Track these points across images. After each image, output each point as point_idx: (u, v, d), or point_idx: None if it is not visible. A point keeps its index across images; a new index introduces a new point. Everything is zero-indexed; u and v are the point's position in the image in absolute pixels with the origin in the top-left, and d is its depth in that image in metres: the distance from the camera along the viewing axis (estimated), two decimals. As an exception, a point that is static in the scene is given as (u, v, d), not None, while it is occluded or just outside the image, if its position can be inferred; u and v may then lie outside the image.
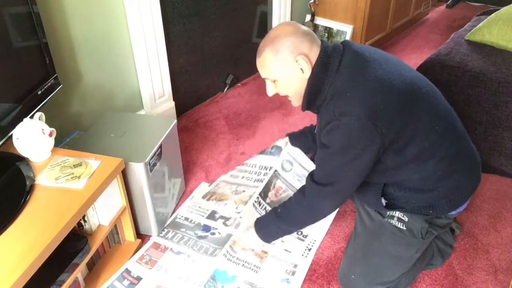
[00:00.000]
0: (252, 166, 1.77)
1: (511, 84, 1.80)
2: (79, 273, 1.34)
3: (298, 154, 1.69)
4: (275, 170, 1.67)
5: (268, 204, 1.57)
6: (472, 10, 3.86)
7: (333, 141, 1.20)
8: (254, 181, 1.69)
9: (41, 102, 1.37)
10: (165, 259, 1.56)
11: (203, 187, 1.88)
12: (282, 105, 2.49)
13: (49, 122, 1.34)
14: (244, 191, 1.68)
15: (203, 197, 1.78)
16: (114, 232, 1.54)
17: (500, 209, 1.76)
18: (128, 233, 1.57)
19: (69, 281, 1.25)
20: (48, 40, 1.38)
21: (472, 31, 2.18)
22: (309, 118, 2.37)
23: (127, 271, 1.50)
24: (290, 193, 1.59)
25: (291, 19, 2.88)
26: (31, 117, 1.31)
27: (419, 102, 1.20)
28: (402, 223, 1.34)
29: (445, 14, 3.92)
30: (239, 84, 2.73)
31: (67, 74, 1.69)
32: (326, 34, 2.99)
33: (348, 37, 2.90)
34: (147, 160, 1.44)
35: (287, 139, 1.74)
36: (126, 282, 1.47)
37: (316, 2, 2.92)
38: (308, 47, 1.22)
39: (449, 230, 1.57)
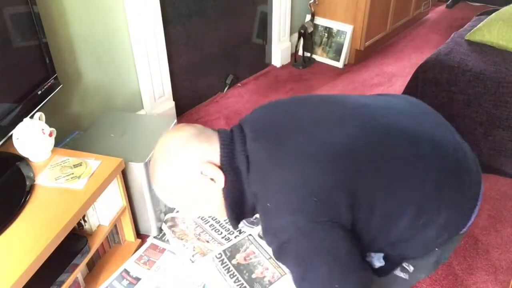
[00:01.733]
0: (227, 222, 1.64)
1: (511, 84, 1.80)
2: (79, 273, 1.34)
3: None
4: (250, 235, 1.60)
5: (234, 265, 1.52)
6: (472, 10, 3.86)
7: (292, 270, 0.92)
8: (222, 237, 1.59)
9: (41, 102, 1.37)
10: (163, 259, 1.56)
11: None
12: (282, 105, 2.49)
13: (49, 122, 1.34)
14: (207, 241, 1.57)
15: (166, 221, 1.69)
16: (114, 232, 1.54)
17: (500, 209, 1.76)
18: (128, 233, 1.57)
19: (69, 281, 1.25)
20: (48, 40, 1.38)
21: (472, 31, 2.18)
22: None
23: (126, 271, 1.50)
24: (262, 259, 1.55)
25: (291, 19, 2.89)
26: (31, 117, 1.31)
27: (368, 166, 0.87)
28: (406, 273, 1.05)
29: (445, 14, 3.92)
30: (239, 84, 2.73)
31: (67, 74, 1.69)
32: (326, 34, 2.99)
33: (348, 37, 2.90)
34: (147, 160, 1.44)
35: None
36: (125, 282, 1.47)
37: (316, 2, 2.92)
38: (209, 149, 0.91)
39: None
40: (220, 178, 0.90)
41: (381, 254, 1.04)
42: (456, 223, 1.00)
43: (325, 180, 0.84)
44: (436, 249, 1.02)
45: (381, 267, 1.03)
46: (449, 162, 0.95)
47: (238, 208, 0.95)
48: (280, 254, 0.90)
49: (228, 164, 0.91)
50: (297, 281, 0.92)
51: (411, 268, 1.04)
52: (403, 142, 0.92)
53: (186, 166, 0.90)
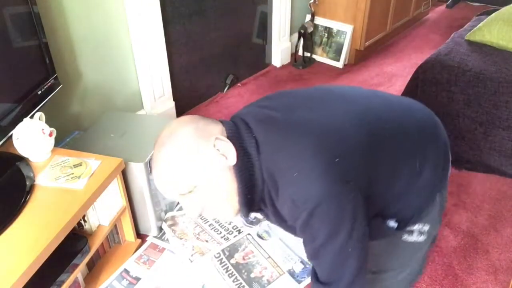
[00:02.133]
0: (226, 221, 1.68)
1: (511, 84, 1.80)
2: (79, 273, 1.34)
3: (278, 228, 1.65)
4: (249, 234, 1.61)
5: (232, 265, 1.49)
6: (472, 10, 3.86)
7: (316, 234, 0.92)
8: (221, 237, 1.61)
9: (41, 102, 1.37)
10: (163, 259, 1.56)
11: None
12: (282, 105, 2.49)
13: (49, 122, 1.34)
14: (207, 241, 1.59)
15: (166, 219, 1.67)
16: (114, 232, 1.54)
17: (500, 209, 1.76)
18: (128, 233, 1.57)
19: (69, 281, 1.25)
20: (48, 40, 1.38)
21: (472, 31, 2.18)
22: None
23: (126, 271, 1.51)
24: (261, 258, 1.52)
25: (291, 19, 2.88)
26: (31, 117, 1.31)
27: (380, 144, 0.95)
28: (422, 235, 1.09)
29: (445, 14, 3.92)
30: (239, 84, 2.73)
31: (67, 74, 1.69)
32: (326, 34, 2.99)
33: (348, 37, 2.90)
34: (147, 160, 1.44)
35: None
36: (125, 282, 1.47)
37: (316, 2, 2.92)
38: (217, 128, 0.92)
39: None
40: (232, 152, 0.88)
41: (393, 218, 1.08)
42: (442, 165, 1.09)
43: (342, 141, 0.90)
44: (437, 194, 1.08)
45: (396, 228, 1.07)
46: (422, 115, 1.09)
47: (249, 191, 0.92)
48: (307, 224, 0.90)
49: (238, 145, 0.90)
50: (314, 250, 0.95)
51: (426, 228, 1.08)
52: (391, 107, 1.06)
53: (198, 139, 0.88)
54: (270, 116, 0.94)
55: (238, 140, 0.91)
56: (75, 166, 1.31)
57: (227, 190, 0.91)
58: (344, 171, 0.88)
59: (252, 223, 1.68)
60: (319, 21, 2.99)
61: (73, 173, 1.28)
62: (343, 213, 0.89)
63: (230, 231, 1.65)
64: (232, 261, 1.52)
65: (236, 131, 0.92)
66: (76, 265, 1.28)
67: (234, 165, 0.89)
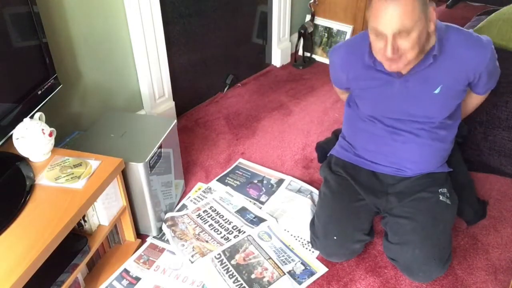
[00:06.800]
0: (226, 221, 1.70)
1: (511, 84, 1.80)
2: (79, 273, 1.34)
3: (279, 230, 1.65)
4: (249, 235, 1.62)
5: (233, 266, 1.50)
6: (472, 10, 3.85)
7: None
8: (221, 237, 1.62)
9: (41, 102, 1.37)
10: (162, 259, 1.56)
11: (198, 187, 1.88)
12: (282, 105, 2.49)
13: (49, 122, 1.34)
14: (207, 241, 1.59)
15: (165, 220, 1.69)
16: (114, 232, 1.54)
17: (500, 209, 1.76)
18: (128, 233, 1.57)
19: (69, 281, 1.25)
20: (48, 40, 1.38)
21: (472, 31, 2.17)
22: (309, 118, 2.37)
23: (126, 271, 1.51)
24: (262, 259, 1.53)
25: (291, 19, 2.88)
26: (31, 117, 1.31)
27: None
28: (447, 198, 1.46)
29: (445, 14, 3.92)
30: (239, 84, 2.73)
31: (67, 74, 1.69)
32: (326, 34, 2.99)
33: (348, 37, 2.90)
34: (147, 160, 1.44)
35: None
36: (125, 282, 1.47)
37: (316, 2, 2.92)
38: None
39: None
40: (433, 23, 1.26)
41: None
42: None
43: None
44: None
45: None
46: None
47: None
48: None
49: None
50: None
51: (449, 194, 1.47)
52: None
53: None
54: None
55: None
56: (75, 166, 1.31)
57: (424, 43, 1.25)
58: None
59: (253, 223, 1.69)
60: (319, 21, 2.99)
61: (73, 173, 1.28)
62: None
63: (230, 231, 1.65)
64: (233, 262, 1.52)
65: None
66: (76, 265, 1.28)
67: (432, 31, 1.28)
